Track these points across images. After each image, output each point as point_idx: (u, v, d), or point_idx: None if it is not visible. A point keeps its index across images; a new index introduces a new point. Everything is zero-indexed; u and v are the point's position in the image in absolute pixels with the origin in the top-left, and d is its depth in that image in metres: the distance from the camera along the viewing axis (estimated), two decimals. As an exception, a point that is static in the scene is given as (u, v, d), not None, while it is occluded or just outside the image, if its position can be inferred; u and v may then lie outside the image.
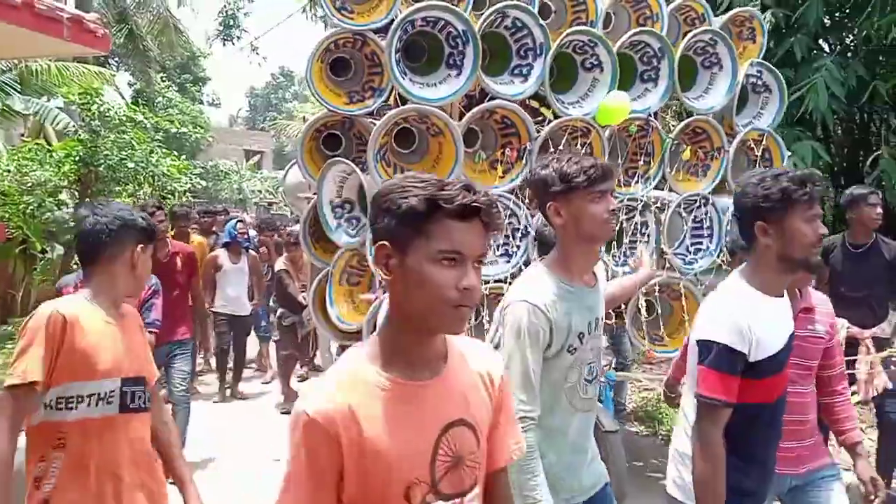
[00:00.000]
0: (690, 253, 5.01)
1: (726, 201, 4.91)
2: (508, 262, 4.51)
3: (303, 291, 7.17)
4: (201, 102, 33.60)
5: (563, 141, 4.60)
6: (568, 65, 4.75)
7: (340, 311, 4.87)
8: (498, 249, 4.51)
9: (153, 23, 21.88)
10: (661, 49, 4.76)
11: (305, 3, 17.68)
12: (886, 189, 7.42)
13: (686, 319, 4.80)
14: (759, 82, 5.16)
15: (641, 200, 4.78)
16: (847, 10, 8.01)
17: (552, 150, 4.53)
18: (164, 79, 26.86)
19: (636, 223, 4.79)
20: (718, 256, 4.94)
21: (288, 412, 7.77)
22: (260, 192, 30.30)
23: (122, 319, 2.52)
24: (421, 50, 4.66)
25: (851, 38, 8.23)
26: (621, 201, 4.77)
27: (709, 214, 4.96)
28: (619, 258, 4.78)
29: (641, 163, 4.84)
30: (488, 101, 4.58)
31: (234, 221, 7.67)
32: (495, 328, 2.42)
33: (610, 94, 4.55)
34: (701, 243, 5.02)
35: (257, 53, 22.44)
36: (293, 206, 5.84)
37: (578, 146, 4.63)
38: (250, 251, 7.80)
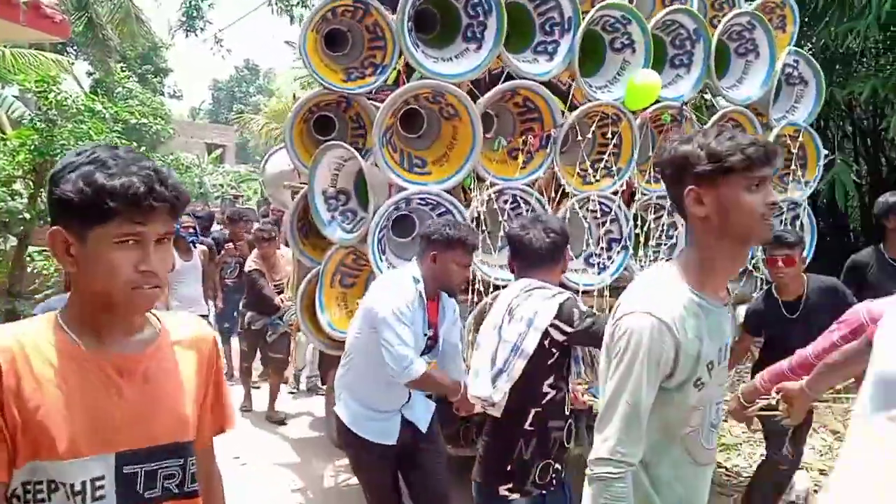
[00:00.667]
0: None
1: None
2: (598, 274, 4.01)
3: (277, 292, 6.50)
4: (163, 94, 32.42)
5: (591, 129, 4.04)
6: (594, 45, 4.19)
7: (332, 317, 4.24)
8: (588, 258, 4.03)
9: (114, 12, 20.98)
10: (697, 31, 4.23)
11: None
12: (838, 194, 7.55)
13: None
14: (795, 73, 4.67)
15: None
16: (805, 19, 7.86)
17: (579, 138, 3.97)
18: (124, 69, 25.79)
19: (664, 224, 4.25)
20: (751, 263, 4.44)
21: (248, 410, 7.34)
22: (222, 186, 29.31)
23: (124, 357, 1.46)
24: (431, 20, 4.06)
25: (810, 45, 8.08)
26: (649, 199, 4.23)
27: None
28: (645, 262, 4.24)
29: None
30: (503, 81, 4.01)
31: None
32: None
33: (638, 73, 4.01)
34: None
35: (221, 46, 21.51)
36: (273, 198, 5.20)
37: (608, 135, 4.08)
38: (198, 246, 7.13)
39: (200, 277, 6.91)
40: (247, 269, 6.63)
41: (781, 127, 4.48)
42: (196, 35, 23.87)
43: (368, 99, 4.24)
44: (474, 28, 3.84)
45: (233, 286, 7.53)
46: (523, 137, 3.98)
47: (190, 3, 23.03)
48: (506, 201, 3.93)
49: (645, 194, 4.20)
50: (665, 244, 4.26)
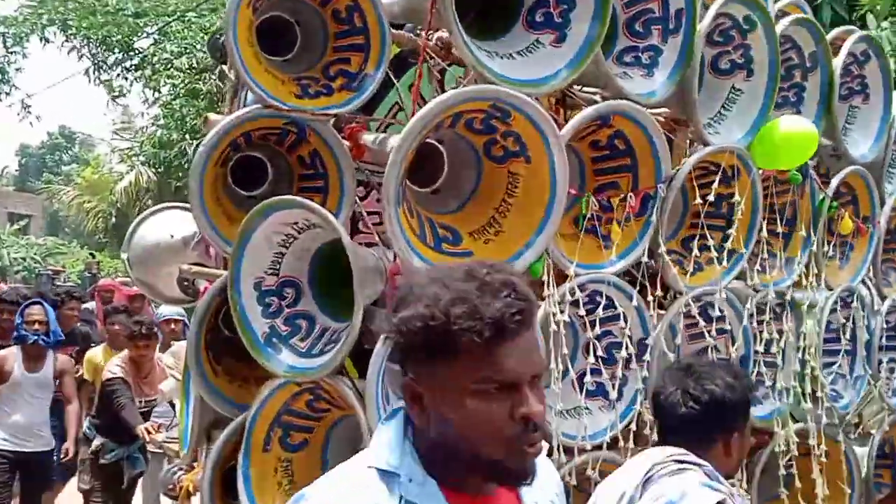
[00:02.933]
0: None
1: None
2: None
3: (142, 413, 4.25)
4: (-42, 157, 27.71)
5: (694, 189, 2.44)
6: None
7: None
8: None
9: None
10: (815, 57, 2.79)
11: (88, 66, 14.96)
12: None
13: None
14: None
15: (786, 297, 2.71)
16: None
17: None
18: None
19: (771, 337, 2.68)
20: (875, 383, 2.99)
21: None
22: (24, 259, 24.98)
23: None
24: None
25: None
26: (765, 298, 2.65)
27: (853, 318, 3.00)
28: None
29: (780, 236, 2.77)
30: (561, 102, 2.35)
31: (24, 305, 4.48)
32: None
33: (782, 118, 2.50)
34: (835, 362, 3.03)
35: (29, 112, 18.78)
36: (146, 287, 3.06)
37: (709, 198, 2.48)
38: (56, 352, 4.67)
39: (48, 397, 4.55)
40: (106, 374, 4.34)
41: None
42: (1, 99, 20.98)
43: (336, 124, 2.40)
44: (548, 6, 2.13)
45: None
46: (613, 196, 2.28)
47: None
48: (584, 303, 2.21)
49: (758, 290, 2.63)
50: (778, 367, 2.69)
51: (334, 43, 2.44)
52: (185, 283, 2.84)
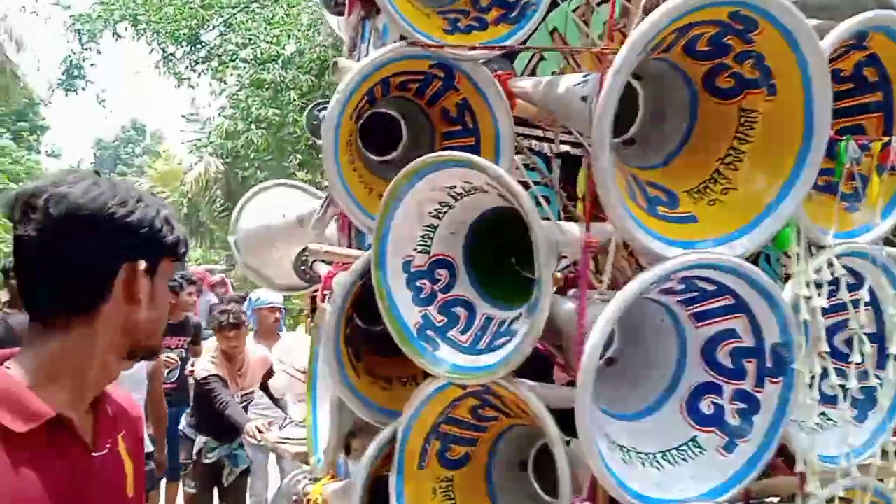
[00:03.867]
0: None
1: None
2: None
3: (240, 403, 3.85)
4: (38, 152, 28.29)
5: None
6: None
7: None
8: None
9: (-15, 66, 18.02)
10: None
11: (157, 59, 15.10)
12: None
13: None
14: None
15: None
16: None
17: None
18: (-5, 126, 22.25)
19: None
20: None
21: None
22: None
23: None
24: None
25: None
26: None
27: None
28: None
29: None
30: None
31: None
32: None
33: None
34: None
35: (103, 106, 19.13)
36: (253, 273, 2.61)
37: None
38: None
39: (142, 394, 4.15)
40: (199, 373, 3.95)
41: None
42: (76, 94, 21.40)
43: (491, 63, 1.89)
44: None
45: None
46: (869, 142, 1.71)
47: (70, 61, 20.65)
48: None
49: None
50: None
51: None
52: (304, 268, 2.38)
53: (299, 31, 13.87)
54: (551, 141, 2.09)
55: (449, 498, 1.83)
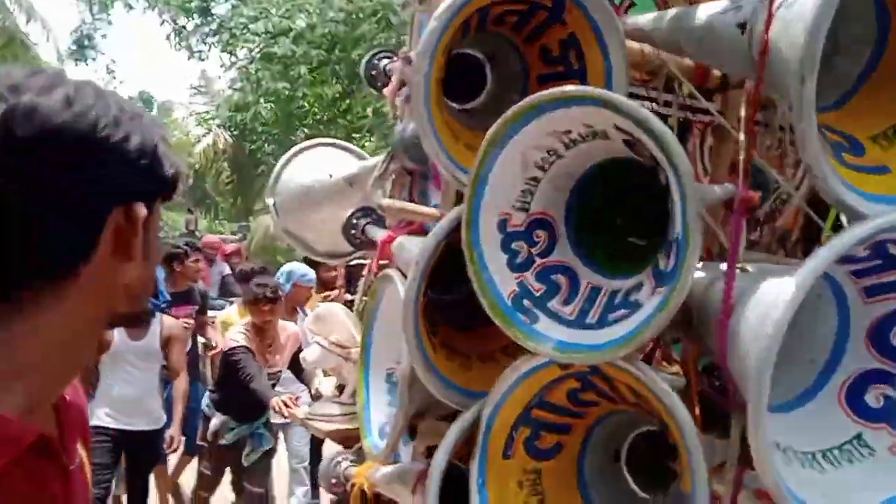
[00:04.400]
0: None
1: None
2: None
3: (272, 381, 3.59)
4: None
5: None
6: None
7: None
8: None
9: (-5, 34, 17.77)
10: None
11: (168, 31, 14.89)
12: None
13: None
14: None
15: None
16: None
17: None
18: (4, 95, 22.04)
19: None
20: None
21: None
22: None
23: None
24: None
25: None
26: None
27: None
28: None
29: None
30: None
31: None
32: None
33: None
34: None
35: (114, 77, 19.00)
36: (292, 238, 2.32)
37: None
38: (164, 315, 3.99)
39: (156, 370, 3.92)
40: (229, 343, 3.68)
41: None
42: (86, 64, 21.28)
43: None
44: None
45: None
46: None
47: (81, 32, 20.47)
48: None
49: None
50: None
51: None
52: (353, 232, 2.11)
53: (310, 5, 13.60)
54: (654, 100, 1.81)
55: (537, 492, 1.58)
